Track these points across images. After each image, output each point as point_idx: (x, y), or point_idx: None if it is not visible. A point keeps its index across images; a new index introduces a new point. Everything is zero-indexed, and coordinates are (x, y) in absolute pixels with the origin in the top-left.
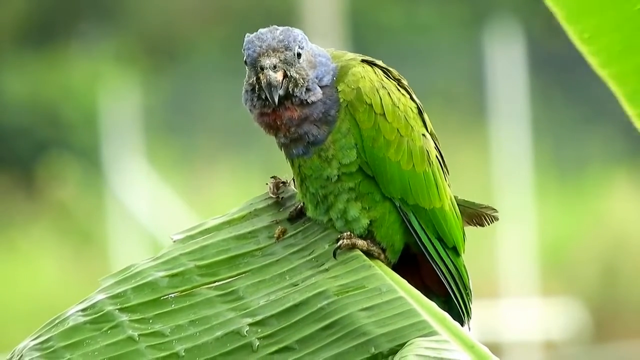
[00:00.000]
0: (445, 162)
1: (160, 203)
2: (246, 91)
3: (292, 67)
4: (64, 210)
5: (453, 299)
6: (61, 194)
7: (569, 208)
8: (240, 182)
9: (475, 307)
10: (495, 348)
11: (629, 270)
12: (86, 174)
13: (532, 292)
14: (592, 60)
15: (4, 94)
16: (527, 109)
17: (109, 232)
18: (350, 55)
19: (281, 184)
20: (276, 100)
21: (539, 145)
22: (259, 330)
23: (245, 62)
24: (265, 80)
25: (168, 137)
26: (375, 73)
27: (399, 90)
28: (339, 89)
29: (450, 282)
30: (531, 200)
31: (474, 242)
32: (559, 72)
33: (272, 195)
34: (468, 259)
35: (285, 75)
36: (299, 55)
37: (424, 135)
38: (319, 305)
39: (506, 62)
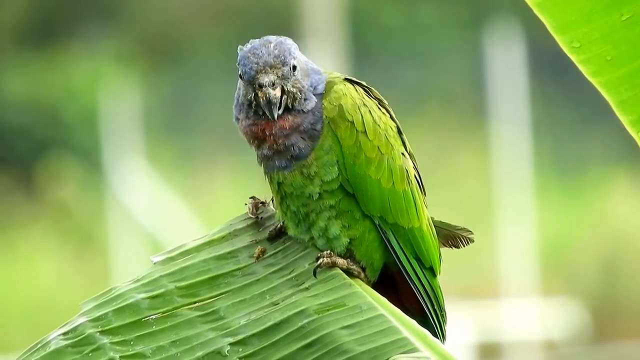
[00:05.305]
0: (423, 183)
1: (160, 203)
2: (242, 104)
3: (289, 82)
4: (64, 210)
5: (430, 319)
6: (61, 194)
7: (569, 208)
8: (240, 182)
9: (475, 307)
10: (495, 348)
11: (629, 270)
12: (86, 174)
13: (532, 292)
14: (583, 69)
15: (4, 94)
16: (527, 110)
17: (109, 232)
18: (335, 73)
19: (260, 204)
20: (276, 117)
21: (539, 145)
22: (240, 349)
23: (241, 77)
24: (264, 98)
25: (168, 137)
26: (357, 91)
27: (379, 108)
28: (323, 105)
29: (427, 301)
30: (531, 201)
31: (474, 242)
32: (559, 73)
33: (251, 216)
34: (468, 258)
35: (283, 91)
36: (294, 67)
37: (403, 154)
38: (300, 324)
39: (506, 62)
